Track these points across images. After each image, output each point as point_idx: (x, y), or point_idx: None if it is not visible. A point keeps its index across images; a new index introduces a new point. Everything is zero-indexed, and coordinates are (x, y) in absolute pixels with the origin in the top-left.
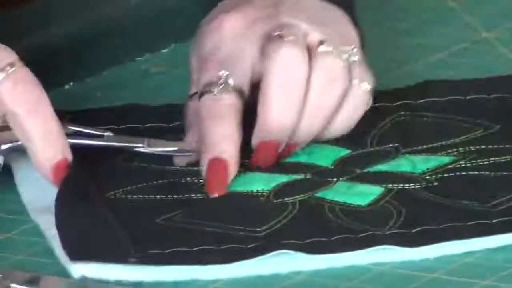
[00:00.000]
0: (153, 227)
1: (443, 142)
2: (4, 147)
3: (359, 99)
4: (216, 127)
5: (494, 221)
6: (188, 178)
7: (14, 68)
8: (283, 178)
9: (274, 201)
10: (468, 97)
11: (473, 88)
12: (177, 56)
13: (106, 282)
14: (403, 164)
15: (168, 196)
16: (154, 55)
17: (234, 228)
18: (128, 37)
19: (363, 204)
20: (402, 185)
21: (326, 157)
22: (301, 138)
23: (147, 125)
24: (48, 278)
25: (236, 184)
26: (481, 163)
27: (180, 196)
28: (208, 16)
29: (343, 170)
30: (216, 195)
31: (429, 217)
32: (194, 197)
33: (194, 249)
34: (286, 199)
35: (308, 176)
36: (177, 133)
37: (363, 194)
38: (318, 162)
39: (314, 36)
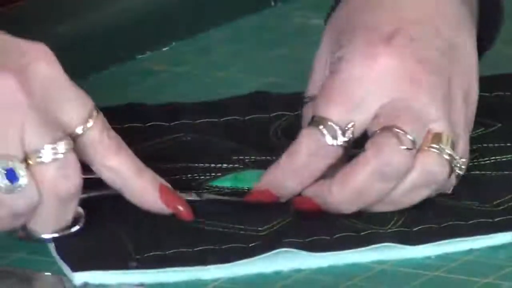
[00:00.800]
0: (154, 227)
1: None
2: (83, 196)
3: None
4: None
5: (495, 219)
6: (189, 175)
7: (95, 113)
8: None
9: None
10: None
11: None
12: (178, 55)
13: (108, 285)
14: None
15: None
16: (155, 53)
17: (235, 227)
18: (129, 36)
19: None
20: None
21: None
22: (345, 212)
23: (148, 124)
24: (48, 276)
25: (237, 181)
26: (482, 162)
27: (181, 193)
28: (358, 20)
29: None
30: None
31: (431, 216)
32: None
33: (195, 249)
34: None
35: None
36: (177, 132)
37: None
38: None
39: (435, 127)
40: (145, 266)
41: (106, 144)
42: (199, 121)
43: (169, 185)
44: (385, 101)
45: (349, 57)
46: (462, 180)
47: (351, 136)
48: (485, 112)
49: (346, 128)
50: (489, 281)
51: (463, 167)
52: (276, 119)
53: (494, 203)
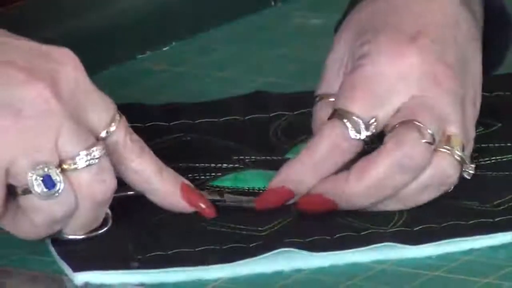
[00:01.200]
0: (156, 226)
1: None
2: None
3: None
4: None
5: (496, 219)
6: (190, 175)
7: (118, 116)
8: None
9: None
10: None
11: None
12: (178, 55)
13: (109, 285)
14: None
15: None
16: (155, 53)
17: (236, 227)
18: (129, 35)
19: None
20: None
21: None
22: (357, 207)
23: (148, 124)
24: (48, 276)
25: (238, 180)
26: (482, 162)
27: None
28: (382, 16)
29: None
30: None
31: (431, 216)
32: None
33: (196, 249)
34: None
35: None
36: (177, 132)
37: None
38: None
39: (451, 129)
40: (146, 266)
41: (129, 147)
42: (199, 121)
43: (190, 184)
44: (407, 98)
45: (374, 55)
46: (462, 180)
47: (374, 131)
48: (485, 112)
49: (370, 123)
50: (489, 281)
51: (471, 172)
52: (276, 119)
53: (495, 203)
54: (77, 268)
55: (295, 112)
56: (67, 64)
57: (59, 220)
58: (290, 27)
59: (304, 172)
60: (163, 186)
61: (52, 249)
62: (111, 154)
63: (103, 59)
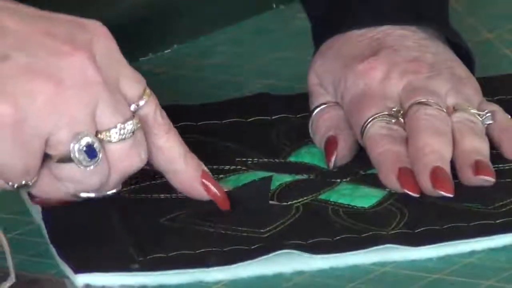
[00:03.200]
0: (157, 228)
1: None
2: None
3: None
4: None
5: (497, 221)
6: None
7: (148, 90)
8: (287, 178)
9: (278, 202)
10: None
11: None
12: (180, 57)
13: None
14: None
15: (172, 195)
16: (157, 56)
17: (237, 229)
18: (131, 38)
19: (366, 206)
20: None
21: None
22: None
23: None
24: (50, 278)
25: (240, 182)
26: None
27: (183, 194)
28: (354, 48)
29: (346, 171)
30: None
31: (432, 218)
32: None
33: (197, 251)
34: (290, 202)
35: (312, 176)
36: (180, 134)
37: (366, 197)
38: (321, 164)
39: (449, 101)
40: (147, 268)
41: (159, 122)
42: (201, 123)
43: (210, 172)
44: (401, 87)
45: (350, 83)
46: (465, 185)
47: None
48: None
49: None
50: (490, 284)
51: (490, 122)
52: (279, 121)
53: (496, 205)
54: (78, 269)
55: (298, 115)
56: (101, 36)
57: (95, 188)
58: (292, 30)
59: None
60: (185, 168)
61: (53, 251)
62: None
63: None
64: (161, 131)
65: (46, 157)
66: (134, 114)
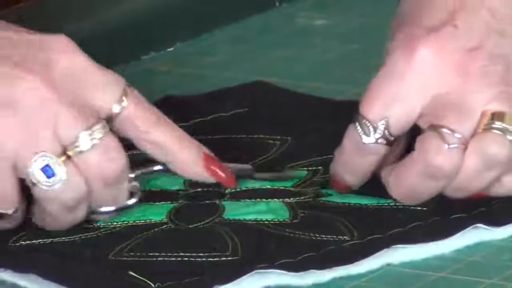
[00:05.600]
0: (111, 264)
1: None
2: (137, 172)
3: None
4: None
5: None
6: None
7: (129, 89)
8: (172, 204)
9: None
10: None
11: None
12: (182, 56)
13: None
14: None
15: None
16: (159, 54)
17: (198, 255)
18: (133, 36)
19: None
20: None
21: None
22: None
23: None
24: None
25: (133, 215)
26: None
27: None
28: (400, 22)
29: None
30: None
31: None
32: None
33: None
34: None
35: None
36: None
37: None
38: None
39: (492, 106)
40: None
41: (144, 118)
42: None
43: (211, 153)
44: (428, 96)
45: (391, 54)
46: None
47: (383, 132)
48: None
49: (378, 125)
50: (493, 282)
51: None
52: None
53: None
54: None
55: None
56: (61, 52)
57: (72, 205)
58: (294, 28)
59: (342, 171)
60: (183, 156)
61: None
62: (127, 129)
63: (107, 60)
64: (150, 125)
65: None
66: (103, 119)
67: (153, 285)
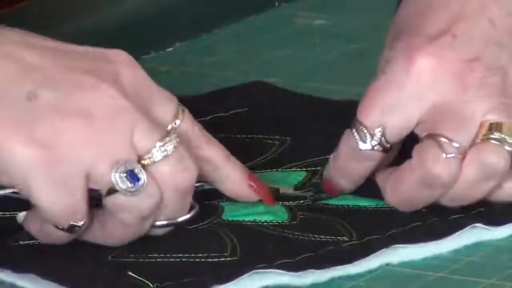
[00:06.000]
0: (109, 265)
1: None
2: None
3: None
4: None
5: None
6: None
7: (181, 108)
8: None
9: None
10: None
11: None
12: (182, 55)
13: None
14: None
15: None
16: (159, 54)
17: (197, 256)
18: (133, 36)
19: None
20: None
21: None
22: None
23: None
24: None
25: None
26: None
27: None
28: (397, 33)
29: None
30: None
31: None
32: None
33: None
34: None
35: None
36: None
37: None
38: None
39: (487, 119)
40: None
41: (198, 135)
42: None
43: (253, 173)
44: (426, 105)
45: (391, 62)
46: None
47: (380, 139)
48: None
49: (375, 132)
50: (492, 282)
51: None
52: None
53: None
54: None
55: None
56: (124, 63)
57: (147, 214)
58: (294, 28)
59: (336, 176)
60: (232, 173)
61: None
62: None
63: None
64: (202, 143)
65: (94, 197)
66: (171, 132)
67: (152, 285)
